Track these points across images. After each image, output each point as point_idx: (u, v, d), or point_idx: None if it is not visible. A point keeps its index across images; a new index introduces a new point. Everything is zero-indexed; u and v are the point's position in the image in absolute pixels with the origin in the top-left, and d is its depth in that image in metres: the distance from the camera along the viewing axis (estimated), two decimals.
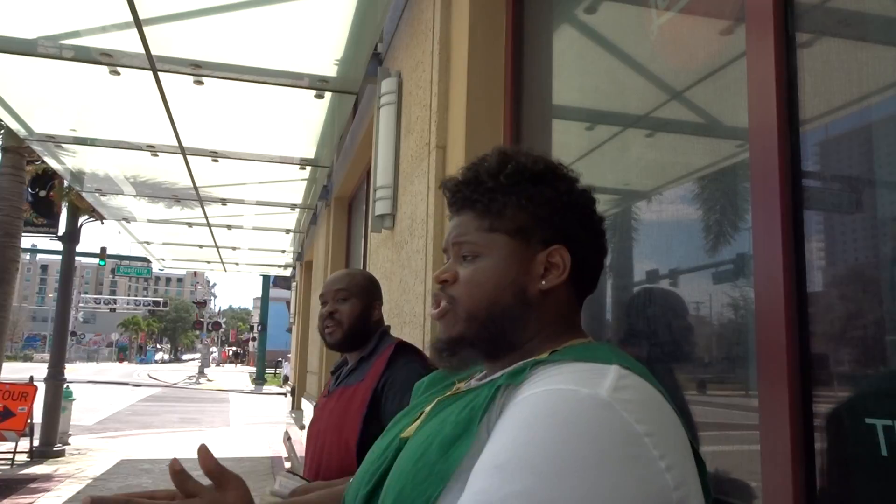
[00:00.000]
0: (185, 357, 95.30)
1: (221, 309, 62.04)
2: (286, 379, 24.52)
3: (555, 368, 0.77)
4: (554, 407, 0.69)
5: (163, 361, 78.55)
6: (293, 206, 7.69)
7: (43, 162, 7.27)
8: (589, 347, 0.84)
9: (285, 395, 23.12)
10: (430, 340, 0.93)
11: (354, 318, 2.01)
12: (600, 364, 0.76)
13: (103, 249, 20.36)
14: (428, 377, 1.06)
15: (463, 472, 0.72)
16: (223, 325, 53.60)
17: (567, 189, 0.91)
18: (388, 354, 1.91)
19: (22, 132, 5.23)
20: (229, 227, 8.84)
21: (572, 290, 0.90)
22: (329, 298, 2.06)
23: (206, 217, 8.11)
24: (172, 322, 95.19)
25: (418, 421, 0.91)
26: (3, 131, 9.11)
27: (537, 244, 0.88)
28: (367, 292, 2.06)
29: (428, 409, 0.93)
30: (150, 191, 7.02)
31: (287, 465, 9.21)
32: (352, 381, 1.95)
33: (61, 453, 9.46)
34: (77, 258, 12.02)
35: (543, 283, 0.87)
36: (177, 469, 0.83)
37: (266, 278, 27.37)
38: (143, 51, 3.64)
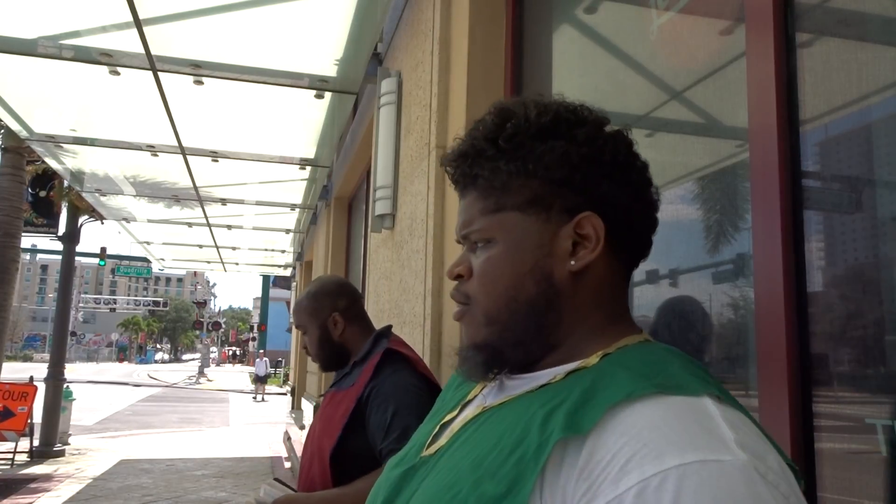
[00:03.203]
0: (185, 357, 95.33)
1: (221, 309, 62.02)
2: (259, 378, 24.37)
3: (637, 414, 0.58)
4: (709, 501, 0.51)
5: (163, 361, 78.60)
6: (293, 206, 7.69)
7: (43, 162, 7.26)
8: (650, 355, 0.68)
9: (253, 397, 23.11)
10: (457, 349, 0.78)
11: (319, 347, 2.04)
12: (690, 398, 0.60)
13: (103, 249, 20.36)
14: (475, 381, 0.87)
15: None
16: (223, 325, 53.59)
17: (588, 137, 0.72)
18: (374, 362, 1.86)
19: (22, 132, 5.23)
20: (229, 227, 8.83)
21: (615, 264, 0.73)
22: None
23: (206, 217, 8.11)
24: (172, 322, 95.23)
25: (443, 439, 0.76)
26: (3, 131, 9.11)
27: (560, 215, 0.71)
28: (316, 315, 2.03)
29: (456, 422, 0.77)
30: (150, 191, 7.01)
31: (287, 465, 9.22)
32: (343, 386, 1.94)
33: (61, 453, 9.46)
34: (77, 258, 12.02)
35: (573, 262, 0.70)
36: None
37: (266, 278, 27.45)
38: (143, 51, 3.63)
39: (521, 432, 0.63)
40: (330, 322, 2.01)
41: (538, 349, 0.72)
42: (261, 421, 16.05)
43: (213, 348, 59.73)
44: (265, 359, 25.50)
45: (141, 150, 5.49)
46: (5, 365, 9.80)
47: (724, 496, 0.51)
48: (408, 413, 1.74)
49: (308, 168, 5.97)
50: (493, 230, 0.73)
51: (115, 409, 18.04)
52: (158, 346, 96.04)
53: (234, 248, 10.81)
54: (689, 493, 0.51)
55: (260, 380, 24.39)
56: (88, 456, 9.60)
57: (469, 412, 0.76)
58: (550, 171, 0.71)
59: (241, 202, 7.34)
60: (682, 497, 0.51)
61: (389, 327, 2.07)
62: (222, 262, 12.63)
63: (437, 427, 0.80)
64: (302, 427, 8.56)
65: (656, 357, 0.67)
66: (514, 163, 0.72)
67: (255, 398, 23.23)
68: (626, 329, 0.73)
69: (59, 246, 11.01)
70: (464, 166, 0.76)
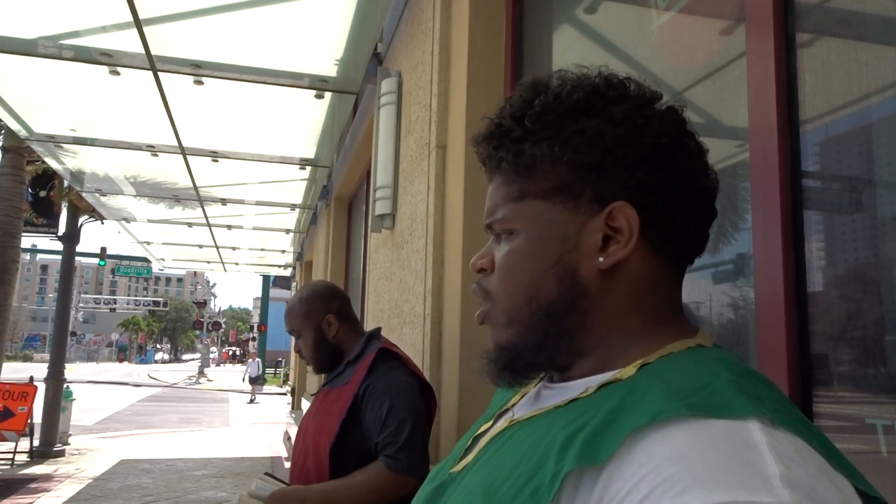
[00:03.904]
0: (185, 357, 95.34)
1: (221, 309, 62.02)
2: (252, 379, 24.05)
3: (663, 441, 0.49)
4: None
5: (163, 361, 78.62)
6: (293, 206, 7.69)
7: (43, 162, 7.26)
8: (694, 367, 0.58)
9: (249, 399, 22.92)
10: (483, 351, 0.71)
11: (313, 349, 2.08)
12: (732, 421, 0.50)
13: (103, 249, 20.36)
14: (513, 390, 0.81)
15: None
16: (223, 325, 53.60)
17: (626, 116, 0.63)
18: (368, 362, 1.92)
19: (22, 132, 5.23)
20: (229, 227, 8.84)
21: (656, 261, 0.64)
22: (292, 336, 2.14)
23: (206, 217, 8.11)
24: (172, 322, 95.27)
25: (472, 455, 0.69)
26: (3, 131, 9.12)
27: (590, 205, 0.63)
28: (309, 317, 2.08)
29: (486, 436, 0.70)
30: (150, 191, 7.02)
31: (287, 465, 9.22)
32: (337, 384, 2.00)
33: (61, 453, 9.46)
34: (77, 258, 12.02)
35: (601, 258, 0.62)
36: None
37: (266, 278, 27.40)
38: (143, 51, 3.63)
39: (539, 458, 0.56)
40: (324, 323, 2.07)
41: (564, 355, 0.65)
42: (261, 421, 16.05)
43: (213, 348, 59.73)
44: (257, 359, 25.19)
45: (141, 150, 5.49)
46: (5, 365, 9.80)
47: None
48: (402, 408, 1.82)
49: (308, 168, 5.97)
50: (515, 220, 0.66)
51: (115, 409, 18.04)
52: (158, 346, 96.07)
53: (234, 248, 10.82)
54: None
55: (252, 381, 24.03)
56: (88, 456, 9.60)
57: (499, 425, 0.70)
58: (580, 155, 0.63)
59: (241, 202, 7.34)
60: None
61: (379, 329, 2.14)
62: (222, 262, 12.63)
63: (472, 439, 0.74)
64: None
65: (702, 368, 0.57)
66: (541, 145, 0.64)
67: (250, 401, 22.82)
68: (674, 333, 0.63)
69: (59, 246, 11.01)
70: (489, 148, 0.68)
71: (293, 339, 2.15)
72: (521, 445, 0.60)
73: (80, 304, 46.81)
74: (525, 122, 0.65)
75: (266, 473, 1.89)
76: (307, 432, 1.97)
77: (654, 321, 0.64)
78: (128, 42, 3.57)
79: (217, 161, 5.68)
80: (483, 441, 0.69)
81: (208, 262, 13.07)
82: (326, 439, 1.84)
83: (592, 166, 0.63)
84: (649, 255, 0.63)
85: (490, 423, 0.74)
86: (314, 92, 4.17)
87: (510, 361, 0.67)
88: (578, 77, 0.67)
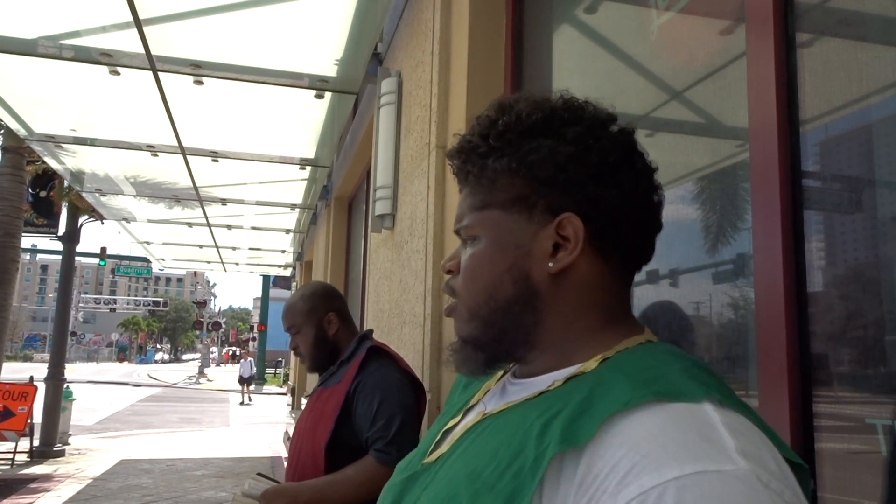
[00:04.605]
0: (185, 357, 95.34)
1: (221, 309, 62.06)
2: (244, 380, 23.69)
3: (635, 424, 0.57)
4: None
5: (163, 361, 78.62)
6: (293, 206, 7.69)
7: (43, 162, 7.26)
8: (651, 359, 0.66)
9: (240, 401, 22.65)
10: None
11: (311, 346, 2.11)
12: (690, 405, 0.58)
13: (103, 249, 20.36)
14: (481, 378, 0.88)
15: None
16: (223, 325, 53.62)
17: (578, 136, 0.70)
18: (360, 359, 1.97)
19: (22, 132, 5.23)
20: (229, 227, 8.84)
21: (603, 266, 0.71)
22: (289, 334, 2.16)
23: (206, 217, 8.11)
24: (172, 322, 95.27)
25: (444, 446, 0.75)
26: (3, 131, 9.11)
27: (543, 215, 0.70)
28: (311, 314, 2.11)
29: (458, 429, 0.76)
30: (150, 191, 7.02)
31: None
32: (330, 384, 2.05)
33: (61, 453, 9.47)
34: (77, 258, 12.02)
35: (551, 263, 0.69)
36: None
37: (266, 278, 27.40)
38: (143, 51, 3.63)
39: (518, 444, 0.61)
40: (326, 321, 2.11)
41: (521, 348, 0.73)
42: (261, 421, 16.05)
43: (213, 348, 59.74)
44: (250, 359, 24.89)
45: (141, 150, 5.49)
46: (5, 365, 9.80)
47: None
48: (392, 403, 1.86)
49: (308, 168, 5.97)
50: (478, 227, 0.74)
51: (115, 409, 18.05)
52: (158, 346, 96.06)
53: (234, 248, 10.82)
54: None
55: (244, 381, 23.65)
56: (88, 456, 9.60)
57: (470, 419, 0.76)
58: (535, 170, 0.70)
59: (241, 202, 7.34)
60: None
61: (371, 330, 2.20)
62: (222, 262, 12.63)
63: (440, 433, 0.80)
64: None
65: (657, 360, 0.65)
66: (501, 160, 0.72)
67: (241, 402, 22.32)
68: (627, 331, 0.71)
69: (59, 246, 11.01)
70: (459, 162, 0.77)
71: (291, 338, 2.17)
72: (499, 434, 0.66)
73: (80, 304, 46.83)
74: (489, 139, 0.73)
75: (259, 474, 1.91)
76: (302, 432, 2.01)
77: (606, 320, 0.71)
78: (128, 42, 3.57)
79: (217, 161, 5.68)
80: (457, 433, 0.75)
81: (208, 262, 13.06)
82: (321, 437, 1.88)
83: (545, 181, 0.70)
84: (597, 261, 0.71)
85: (458, 417, 0.80)
86: (314, 92, 4.17)
87: (472, 353, 0.75)
88: (541, 100, 0.74)
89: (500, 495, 0.59)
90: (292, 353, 2.20)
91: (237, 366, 28.03)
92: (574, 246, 0.69)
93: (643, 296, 1.60)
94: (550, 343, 0.71)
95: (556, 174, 0.69)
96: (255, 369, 25.82)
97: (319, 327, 2.10)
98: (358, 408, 1.87)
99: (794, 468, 0.60)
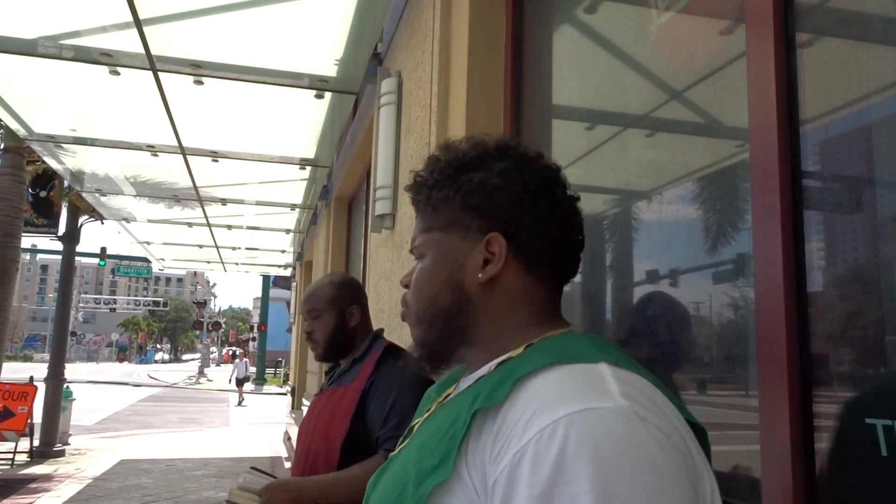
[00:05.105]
0: (185, 357, 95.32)
1: (221, 309, 62.01)
2: (238, 381, 23.25)
3: (538, 381, 0.69)
4: (591, 440, 0.61)
5: (163, 361, 78.58)
6: (293, 206, 7.69)
7: (43, 162, 7.26)
8: (565, 339, 0.79)
9: (238, 402, 22.48)
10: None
11: (329, 333, 2.06)
12: (586, 364, 0.71)
13: (103, 249, 20.36)
14: (441, 380, 1.01)
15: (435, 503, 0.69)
16: (223, 325, 53.60)
17: (503, 170, 0.84)
18: (376, 357, 1.95)
19: (22, 132, 5.23)
20: (229, 227, 8.84)
21: (528, 276, 0.84)
22: (305, 318, 2.11)
23: (206, 217, 8.11)
24: (172, 322, 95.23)
25: (408, 440, 0.87)
26: (3, 131, 9.11)
27: (475, 235, 0.84)
28: (336, 302, 2.07)
29: (417, 424, 0.89)
30: (150, 191, 7.02)
31: (287, 465, 9.22)
32: (343, 382, 2.00)
33: (61, 453, 9.46)
34: (77, 258, 12.02)
35: (480, 275, 0.83)
36: None
37: (266, 278, 27.39)
38: (143, 51, 3.64)
39: (455, 414, 0.74)
40: (348, 312, 2.07)
41: (461, 347, 0.86)
42: (261, 421, 16.05)
43: (213, 348, 59.74)
44: (245, 359, 24.43)
45: (141, 150, 5.49)
46: (5, 365, 9.80)
47: (604, 435, 0.62)
48: (405, 403, 1.82)
49: (308, 168, 5.98)
50: (424, 247, 0.89)
51: (115, 409, 18.05)
52: (158, 346, 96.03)
53: (234, 248, 10.82)
54: (574, 436, 0.61)
55: (239, 382, 23.16)
56: (88, 456, 9.60)
57: (431, 410, 0.88)
58: (467, 198, 0.84)
59: (241, 202, 7.34)
60: (569, 439, 0.61)
61: (382, 329, 2.16)
62: (222, 262, 12.63)
63: (407, 431, 0.91)
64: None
65: (570, 340, 0.79)
66: (442, 191, 0.86)
67: (238, 402, 21.87)
68: (552, 327, 0.83)
69: (59, 246, 11.00)
70: (412, 193, 0.92)
71: (308, 321, 2.10)
72: (443, 413, 0.79)
73: (80, 304, 46.80)
74: (434, 174, 0.88)
75: (252, 468, 1.89)
76: (313, 431, 1.97)
77: (534, 321, 0.83)
78: (128, 42, 3.58)
79: (217, 161, 5.68)
80: (416, 425, 0.89)
81: (208, 262, 13.07)
82: (337, 436, 1.85)
83: (476, 207, 0.84)
84: (521, 273, 0.83)
85: (423, 418, 0.93)
86: (314, 92, 4.17)
87: (422, 352, 0.88)
88: (479, 141, 0.88)
89: (438, 455, 0.71)
90: (305, 337, 2.15)
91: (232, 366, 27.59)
92: (499, 260, 0.82)
93: (643, 296, 1.60)
94: (486, 341, 0.84)
95: (484, 201, 0.83)
96: (250, 370, 25.35)
97: (341, 316, 2.06)
98: (371, 405, 1.85)
99: (695, 429, 0.74)
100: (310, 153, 5.59)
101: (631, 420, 0.63)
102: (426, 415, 0.89)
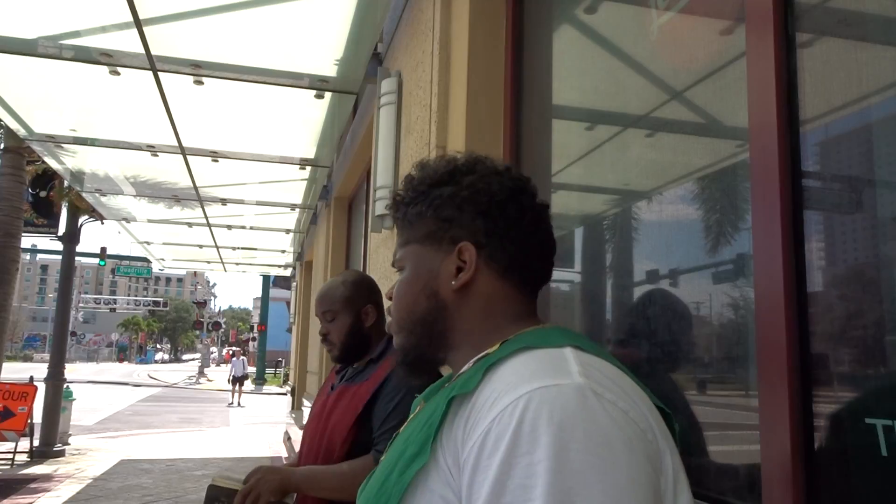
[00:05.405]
0: (185, 357, 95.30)
1: (221, 309, 62.05)
2: (235, 380, 22.88)
3: (506, 366, 0.75)
4: (546, 413, 0.66)
5: (163, 361, 78.56)
6: (293, 206, 7.69)
7: (43, 162, 7.27)
8: (537, 331, 0.84)
9: (229, 402, 22.35)
10: None
11: (345, 335, 2.02)
12: (551, 349, 0.76)
13: (103, 249, 20.37)
14: (431, 385, 1.04)
15: (415, 489, 0.74)
16: (223, 325, 53.60)
17: (471, 183, 0.90)
18: (391, 360, 1.90)
19: (22, 132, 5.23)
20: (229, 227, 8.84)
21: (500, 281, 0.89)
22: (320, 320, 2.08)
23: (206, 217, 8.11)
24: (172, 322, 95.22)
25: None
26: (3, 131, 9.11)
27: (448, 246, 0.89)
28: (351, 303, 2.03)
29: (405, 426, 0.93)
30: (150, 191, 7.01)
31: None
32: (356, 381, 1.97)
33: (61, 453, 9.46)
34: (77, 258, 12.02)
35: (453, 282, 0.88)
36: None
37: (266, 278, 27.39)
38: (143, 51, 3.64)
39: (435, 406, 0.79)
40: (363, 312, 2.03)
41: (441, 350, 0.91)
42: (261, 421, 16.05)
43: (213, 348, 59.72)
44: (242, 357, 23.99)
45: (141, 150, 5.49)
46: (5, 365, 9.80)
47: (559, 410, 0.66)
48: (409, 407, 1.78)
49: (308, 168, 5.97)
50: (403, 259, 0.94)
51: (115, 409, 18.04)
52: (158, 346, 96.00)
53: (234, 248, 10.81)
54: (531, 411, 0.66)
55: (236, 381, 22.71)
56: (88, 456, 9.60)
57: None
58: (439, 211, 0.90)
59: (241, 202, 7.34)
60: (527, 414, 0.66)
61: None
62: (222, 262, 12.63)
63: (395, 437, 0.95)
64: (302, 427, 8.55)
65: (541, 331, 0.84)
66: (417, 206, 0.92)
67: (230, 403, 21.29)
68: (527, 325, 0.88)
69: (59, 246, 11.00)
70: (392, 210, 0.98)
71: (322, 323, 2.06)
72: (426, 409, 0.84)
73: (80, 304, 46.80)
74: (409, 191, 0.94)
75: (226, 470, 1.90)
76: (318, 428, 1.96)
77: (509, 320, 0.88)
78: (128, 42, 3.58)
79: (217, 161, 5.68)
80: (403, 428, 0.93)
81: (208, 262, 13.07)
82: (341, 434, 1.85)
83: (447, 218, 0.89)
84: (494, 278, 0.89)
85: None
86: (314, 92, 4.17)
87: (405, 357, 0.94)
88: (450, 158, 0.94)
89: (418, 443, 0.76)
90: (321, 339, 2.11)
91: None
92: (470, 267, 0.87)
93: (643, 295, 1.60)
94: (464, 342, 0.89)
95: (455, 213, 0.89)
96: (247, 368, 24.66)
97: (357, 317, 2.01)
98: (377, 405, 1.85)
99: (662, 414, 0.78)
100: (310, 153, 5.58)
101: (586, 395, 0.68)
102: (412, 416, 0.93)
